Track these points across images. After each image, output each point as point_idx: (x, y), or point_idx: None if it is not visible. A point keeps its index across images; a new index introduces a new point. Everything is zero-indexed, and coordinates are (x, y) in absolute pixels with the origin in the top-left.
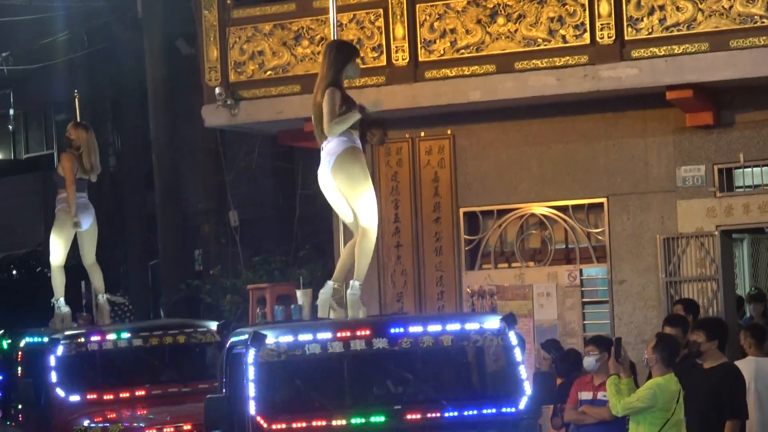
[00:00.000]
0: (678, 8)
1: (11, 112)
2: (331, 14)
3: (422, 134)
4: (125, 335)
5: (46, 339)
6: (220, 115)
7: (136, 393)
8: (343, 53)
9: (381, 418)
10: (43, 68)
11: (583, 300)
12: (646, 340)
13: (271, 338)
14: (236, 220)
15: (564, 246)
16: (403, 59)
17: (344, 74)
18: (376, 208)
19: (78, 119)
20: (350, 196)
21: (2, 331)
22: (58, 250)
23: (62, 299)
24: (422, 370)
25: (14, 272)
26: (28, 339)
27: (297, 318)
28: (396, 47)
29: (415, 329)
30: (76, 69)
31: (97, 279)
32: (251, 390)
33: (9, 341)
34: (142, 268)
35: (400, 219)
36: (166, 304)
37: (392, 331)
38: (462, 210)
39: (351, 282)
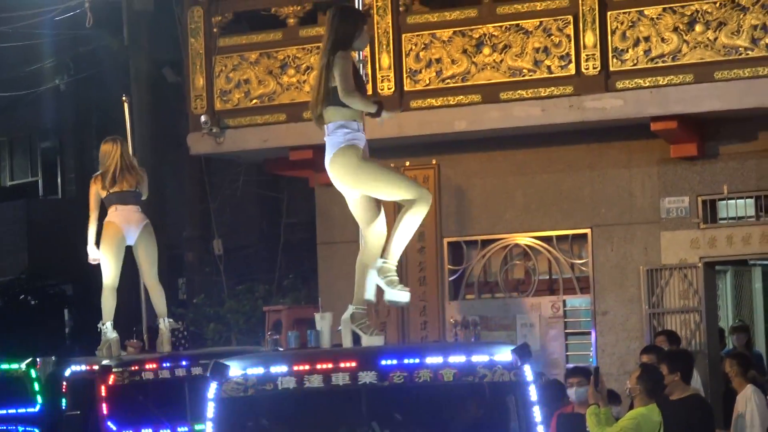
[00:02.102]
0: (663, 39)
1: None
2: None
3: (407, 164)
4: (184, 363)
5: (95, 367)
6: (205, 143)
7: (196, 427)
8: (349, 19)
9: None
10: (28, 95)
11: (566, 331)
12: (628, 371)
13: (237, 369)
14: (220, 249)
15: (548, 277)
16: (389, 88)
17: (352, 45)
18: (411, 180)
19: (128, 128)
20: (374, 191)
21: (30, 359)
22: (107, 268)
23: (110, 324)
24: (417, 411)
25: None
26: (74, 367)
27: (314, 345)
28: (382, 77)
29: (411, 361)
30: (62, 96)
31: (158, 301)
32: (210, 430)
33: (48, 371)
34: (126, 296)
35: None
36: (149, 332)
37: (383, 363)
38: (446, 240)
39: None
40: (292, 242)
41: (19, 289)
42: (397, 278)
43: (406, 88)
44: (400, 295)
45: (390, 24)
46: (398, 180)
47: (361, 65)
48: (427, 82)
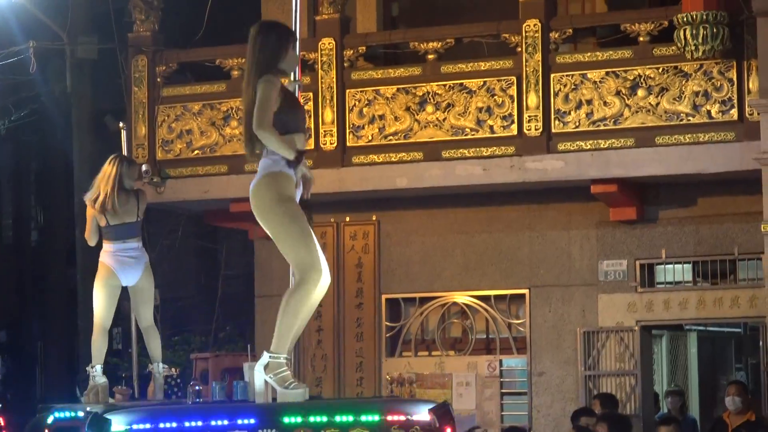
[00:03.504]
0: (605, 103)
1: None
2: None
3: (347, 219)
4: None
5: (81, 414)
6: (145, 192)
7: None
8: (274, 37)
9: None
10: None
11: (502, 390)
12: None
13: (120, 424)
14: (157, 299)
15: (485, 336)
16: (331, 143)
17: (278, 66)
18: (312, 251)
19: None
20: (275, 239)
21: None
22: (99, 309)
23: (99, 367)
24: None
25: None
26: (57, 414)
27: (241, 398)
28: (324, 131)
29: (318, 419)
30: (1, 141)
31: (154, 345)
32: None
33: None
34: (61, 344)
35: (322, 303)
36: (83, 381)
37: (286, 421)
38: (384, 296)
39: (263, 353)
40: (230, 294)
41: None
42: (289, 373)
43: (348, 144)
44: (295, 395)
45: (334, 79)
46: (297, 244)
47: (296, 86)
48: (370, 138)
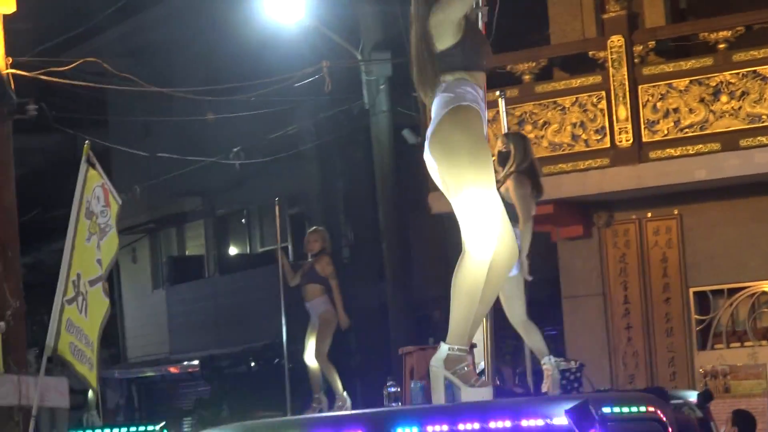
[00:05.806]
0: None
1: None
2: None
3: (649, 215)
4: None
5: None
6: (446, 202)
7: None
8: None
9: None
10: (273, 162)
11: None
12: None
13: None
14: None
15: None
16: (626, 140)
17: None
18: (488, 219)
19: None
20: (454, 190)
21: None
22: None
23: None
24: None
25: (252, 364)
26: None
27: (422, 402)
28: (619, 129)
29: (437, 429)
30: (306, 162)
31: (535, 339)
32: None
33: None
34: (376, 356)
35: (630, 300)
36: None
37: (399, 430)
38: (692, 290)
39: (440, 345)
40: (533, 300)
41: (273, 354)
42: (469, 369)
43: (644, 139)
44: (480, 393)
45: (625, 76)
46: (478, 204)
47: (479, 14)
48: (666, 132)
